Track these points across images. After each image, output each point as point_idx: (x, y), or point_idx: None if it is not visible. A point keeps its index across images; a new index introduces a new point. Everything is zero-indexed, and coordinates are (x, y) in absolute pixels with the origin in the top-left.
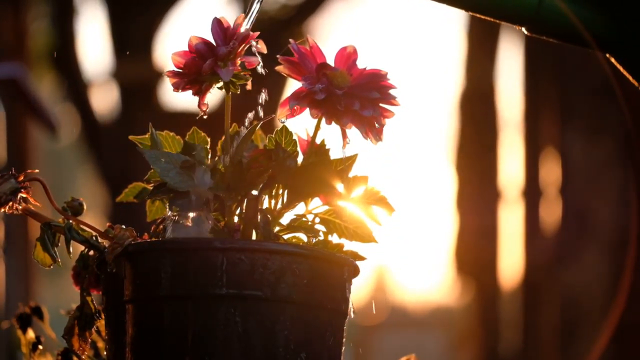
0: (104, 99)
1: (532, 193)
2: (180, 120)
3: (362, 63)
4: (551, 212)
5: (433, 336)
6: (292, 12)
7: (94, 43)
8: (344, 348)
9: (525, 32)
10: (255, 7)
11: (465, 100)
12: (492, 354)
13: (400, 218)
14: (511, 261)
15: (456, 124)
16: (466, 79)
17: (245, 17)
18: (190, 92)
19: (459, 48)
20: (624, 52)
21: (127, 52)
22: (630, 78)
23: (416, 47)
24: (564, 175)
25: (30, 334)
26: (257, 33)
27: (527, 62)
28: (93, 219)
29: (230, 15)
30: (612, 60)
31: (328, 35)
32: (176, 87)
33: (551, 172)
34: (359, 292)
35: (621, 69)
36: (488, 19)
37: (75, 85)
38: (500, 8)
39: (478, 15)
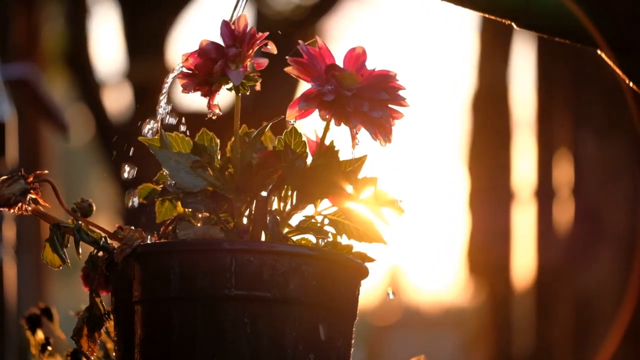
0: (117, 99)
1: (545, 194)
2: (195, 121)
3: (372, 64)
4: (564, 213)
5: (445, 337)
6: (307, 13)
7: (107, 43)
8: (352, 349)
9: (515, 27)
10: (242, 2)
11: (478, 101)
12: (505, 355)
13: (412, 218)
14: (524, 262)
15: (469, 125)
16: (479, 80)
17: (234, 10)
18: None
19: (472, 48)
20: (620, 51)
21: (140, 52)
22: (622, 75)
23: (429, 47)
24: (577, 176)
25: (40, 334)
26: (266, 34)
27: (540, 63)
28: (107, 220)
29: (243, 14)
30: (604, 56)
31: (342, 36)
32: (186, 89)
33: (564, 173)
34: (372, 292)
35: (613, 66)
36: (477, 12)
37: (88, 86)
38: (489, 1)
39: (467, 8)
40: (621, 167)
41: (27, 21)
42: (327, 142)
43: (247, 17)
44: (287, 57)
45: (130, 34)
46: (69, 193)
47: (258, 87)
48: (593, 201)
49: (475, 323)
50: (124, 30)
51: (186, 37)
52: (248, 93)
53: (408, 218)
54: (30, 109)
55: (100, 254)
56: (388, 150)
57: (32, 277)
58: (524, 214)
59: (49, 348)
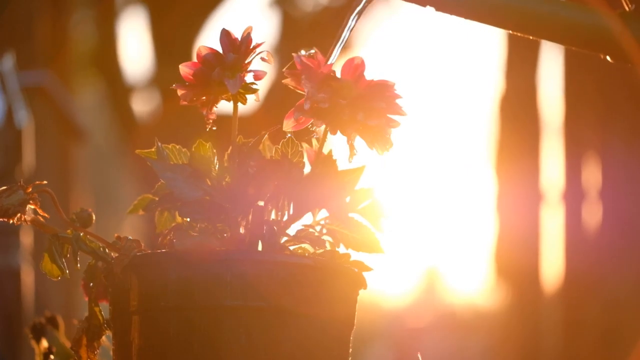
0: (144, 104)
1: (573, 196)
2: (222, 124)
3: (373, 73)
4: (593, 216)
5: (475, 339)
6: (334, 15)
7: (134, 47)
8: (350, 359)
9: (610, 60)
10: (344, 36)
11: (506, 104)
12: (534, 359)
13: (443, 221)
14: (552, 265)
15: (497, 127)
16: (507, 82)
17: (333, 48)
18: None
19: (500, 50)
20: None
21: (167, 57)
22: None
23: (458, 48)
24: (605, 179)
25: (44, 343)
26: (264, 42)
27: (568, 65)
28: (132, 227)
29: (269, 20)
30: None
31: (369, 39)
32: (184, 99)
33: (593, 176)
34: (405, 294)
35: None
36: (573, 48)
37: (115, 91)
38: (580, 36)
39: (566, 46)
40: None
41: (53, 27)
42: (325, 151)
43: (275, 18)
44: (284, 69)
45: (157, 38)
46: (98, 200)
47: (257, 98)
48: (622, 203)
49: (504, 326)
50: (151, 34)
51: (213, 41)
52: (246, 104)
53: (440, 221)
54: (47, 116)
55: (100, 264)
56: (419, 155)
57: (52, 284)
58: (553, 217)
59: (52, 357)
